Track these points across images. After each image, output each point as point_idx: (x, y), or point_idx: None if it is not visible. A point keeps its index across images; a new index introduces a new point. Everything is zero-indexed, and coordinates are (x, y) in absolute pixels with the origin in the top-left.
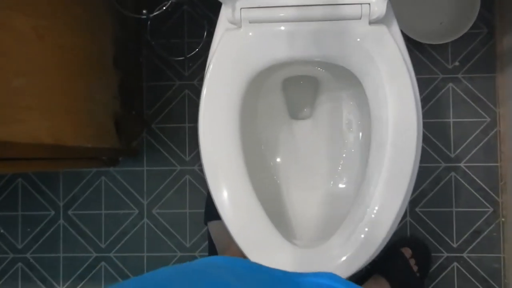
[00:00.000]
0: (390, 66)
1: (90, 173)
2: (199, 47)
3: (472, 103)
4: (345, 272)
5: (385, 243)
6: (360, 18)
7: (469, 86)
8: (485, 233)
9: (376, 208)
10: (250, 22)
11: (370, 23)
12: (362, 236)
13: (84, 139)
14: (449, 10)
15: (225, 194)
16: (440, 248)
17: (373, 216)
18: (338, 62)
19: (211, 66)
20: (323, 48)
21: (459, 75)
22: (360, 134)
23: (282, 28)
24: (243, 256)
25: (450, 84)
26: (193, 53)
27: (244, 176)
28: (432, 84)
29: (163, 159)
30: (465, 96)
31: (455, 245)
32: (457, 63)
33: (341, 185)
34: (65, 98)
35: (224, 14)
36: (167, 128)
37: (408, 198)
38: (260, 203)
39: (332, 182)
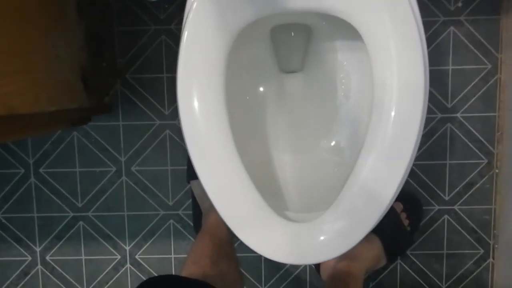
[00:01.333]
0: (400, 24)
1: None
2: None
3: (474, 49)
4: (339, 248)
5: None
6: None
7: (472, 29)
8: (478, 185)
9: (375, 180)
10: None
11: None
12: (359, 210)
13: (45, 103)
14: None
15: (207, 162)
16: (432, 201)
17: (371, 189)
18: (335, 13)
19: (190, 15)
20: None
21: (462, 17)
22: (357, 90)
23: None
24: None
25: (451, 28)
26: None
27: (228, 140)
28: (432, 28)
29: (140, 113)
30: (466, 41)
31: (446, 198)
32: (460, 4)
33: (334, 148)
34: (15, 55)
35: None
36: (143, 79)
37: (409, 171)
38: (247, 171)
39: (325, 143)
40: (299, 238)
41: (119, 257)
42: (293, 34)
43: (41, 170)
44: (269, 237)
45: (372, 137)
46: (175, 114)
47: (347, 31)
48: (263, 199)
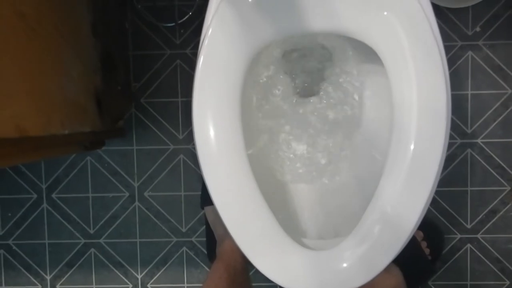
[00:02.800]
0: (419, 44)
1: (74, 153)
2: (191, 11)
3: (493, 73)
4: (361, 277)
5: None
6: None
7: (490, 54)
8: (501, 213)
9: (397, 206)
10: None
11: None
12: (381, 237)
13: (58, 125)
14: None
15: (223, 188)
16: (453, 229)
17: (393, 215)
18: (357, 37)
19: (206, 41)
20: (340, 19)
21: (480, 42)
22: (374, 115)
23: None
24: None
25: (470, 52)
26: (185, 18)
27: (245, 166)
28: (450, 53)
29: (154, 137)
30: (485, 66)
31: (469, 226)
32: (478, 29)
33: (349, 173)
34: (27, 76)
35: None
36: (158, 103)
37: (432, 195)
38: (263, 197)
39: (339, 169)
40: (318, 266)
41: (130, 286)
42: (307, 57)
43: (53, 195)
44: (286, 265)
45: (393, 161)
46: (189, 138)
47: (363, 55)
48: (280, 226)
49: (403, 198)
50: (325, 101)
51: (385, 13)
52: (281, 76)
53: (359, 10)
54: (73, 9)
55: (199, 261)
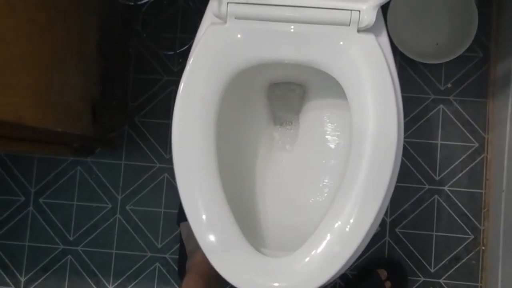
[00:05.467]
0: (375, 77)
1: (66, 162)
2: (190, 43)
3: (462, 127)
4: (307, 286)
5: (352, 260)
6: (348, 25)
7: (460, 109)
8: (464, 260)
9: (346, 222)
10: (236, 18)
11: (359, 31)
12: (329, 250)
13: (51, 122)
14: (446, 32)
15: (191, 191)
16: (417, 272)
17: (342, 230)
18: (323, 68)
19: (191, 60)
20: (308, 51)
21: (451, 97)
22: (343, 145)
23: (268, 27)
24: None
25: (441, 106)
26: (183, 48)
27: (215, 176)
28: (423, 104)
29: (142, 154)
30: (455, 119)
31: (432, 270)
32: (449, 85)
33: (319, 198)
34: (34, 76)
35: (210, 7)
36: (150, 123)
37: (381, 216)
38: (230, 205)
39: (310, 194)
40: (271, 270)
41: None
42: (287, 91)
43: (40, 199)
44: (240, 267)
45: (348, 181)
46: None
47: (337, 91)
48: (241, 233)
49: (354, 215)
50: (299, 130)
51: (346, 48)
52: (262, 105)
53: (323, 44)
54: (82, 26)
55: (170, 278)
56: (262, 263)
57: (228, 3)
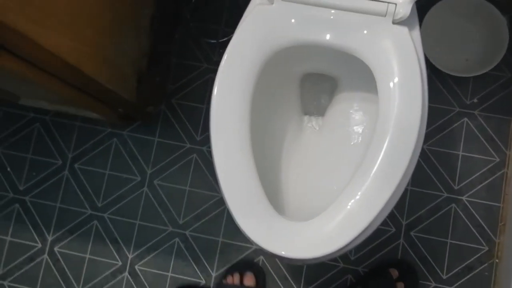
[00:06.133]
0: (404, 66)
1: (104, 132)
2: (232, 34)
3: (484, 141)
4: (324, 248)
5: (367, 234)
6: (384, 16)
7: (484, 124)
8: (477, 270)
9: (364, 197)
10: (283, 0)
11: (394, 22)
12: (349, 215)
13: (105, 78)
14: (477, 49)
15: (224, 154)
16: (429, 276)
17: (359, 204)
18: (356, 53)
19: (236, 33)
20: (344, 37)
21: (476, 112)
22: (368, 137)
23: (311, 11)
24: None
25: (465, 119)
26: (225, 38)
27: (247, 145)
28: (448, 116)
29: (175, 134)
30: (478, 133)
31: (444, 277)
32: (475, 100)
33: (341, 185)
34: (99, 33)
35: None
36: (185, 106)
37: (399, 194)
38: (258, 173)
39: (333, 180)
40: (295, 233)
41: (119, 263)
42: (319, 83)
43: (76, 165)
44: (267, 229)
45: (370, 159)
46: (205, 141)
47: (366, 85)
48: (267, 199)
49: (371, 190)
50: (328, 121)
51: (380, 37)
52: (294, 94)
53: (359, 32)
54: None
55: (187, 254)
56: (284, 225)
57: None
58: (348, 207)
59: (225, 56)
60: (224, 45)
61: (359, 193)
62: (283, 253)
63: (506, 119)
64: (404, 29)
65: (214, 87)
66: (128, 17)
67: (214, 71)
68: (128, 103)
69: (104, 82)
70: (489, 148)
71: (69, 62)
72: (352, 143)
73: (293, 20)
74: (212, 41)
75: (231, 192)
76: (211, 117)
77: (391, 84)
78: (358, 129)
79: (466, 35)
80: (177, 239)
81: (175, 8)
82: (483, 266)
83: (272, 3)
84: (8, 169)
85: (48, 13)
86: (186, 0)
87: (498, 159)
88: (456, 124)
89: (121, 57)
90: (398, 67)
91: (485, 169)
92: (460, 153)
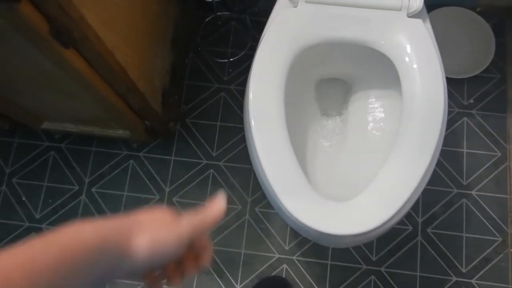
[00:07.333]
0: (423, 52)
1: (120, 155)
2: (241, 54)
3: (485, 138)
4: (368, 224)
5: (408, 207)
6: (400, 10)
7: (482, 122)
8: (494, 261)
9: (402, 171)
10: (306, 2)
11: (408, 15)
12: (390, 191)
13: (143, 85)
14: (467, 54)
15: (267, 142)
16: (450, 271)
17: (399, 178)
18: (377, 46)
19: (265, 35)
20: (365, 32)
21: (473, 111)
22: (383, 126)
23: (333, 10)
24: None
25: (465, 118)
26: (236, 57)
27: (285, 132)
28: (449, 116)
29: (191, 151)
30: (478, 131)
31: (464, 270)
32: (472, 101)
33: (361, 175)
34: (142, 45)
35: None
36: (200, 124)
37: (433, 167)
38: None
39: (358, 168)
40: (335, 211)
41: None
42: (334, 87)
43: (93, 189)
44: (308, 207)
45: (401, 136)
46: (221, 156)
47: (378, 82)
48: (307, 180)
49: (407, 165)
50: (344, 120)
51: (398, 29)
52: (311, 97)
53: (379, 25)
54: (166, 23)
55: (210, 269)
56: (326, 205)
57: None
58: (388, 182)
59: (257, 56)
60: (233, 64)
61: (396, 170)
62: (339, 232)
63: (502, 116)
64: (418, 21)
65: (248, 87)
66: (159, 38)
67: (226, 90)
68: (156, 115)
69: (140, 87)
70: (490, 143)
71: (120, 63)
72: (372, 134)
73: (317, 20)
74: (223, 60)
75: (278, 181)
76: (249, 110)
77: (413, 68)
78: (377, 120)
79: (457, 41)
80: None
81: (188, 33)
82: (499, 257)
83: (296, 6)
84: (24, 198)
85: (112, 17)
86: (197, 26)
87: (500, 154)
88: (457, 124)
89: (153, 71)
90: (417, 53)
91: (489, 163)
92: (465, 150)
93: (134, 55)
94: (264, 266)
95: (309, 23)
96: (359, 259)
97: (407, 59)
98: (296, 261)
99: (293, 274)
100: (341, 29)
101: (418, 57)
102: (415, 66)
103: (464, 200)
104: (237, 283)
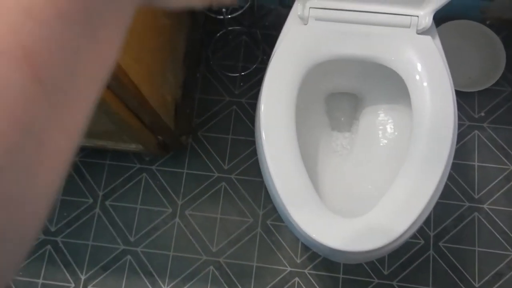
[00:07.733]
0: (432, 68)
1: (133, 168)
2: (252, 68)
3: (496, 151)
4: (380, 240)
5: (421, 221)
6: (409, 27)
7: (493, 135)
8: (507, 277)
9: (414, 186)
10: (316, 20)
11: (417, 32)
12: (402, 205)
13: (153, 99)
14: (477, 67)
15: (277, 156)
16: (462, 285)
17: (411, 193)
18: (386, 63)
19: (277, 52)
20: (375, 48)
21: (484, 124)
22: (393, 138)
23: (343, 28)
24: None
25: (476, 131)
26: (247, 71)
27: (296, 146)
28: (460, 129)
29: (203, 164)
30: (489, 144)
31: (476, 285)
32: (482, 114)
33: (371, 190)
34: (153, 62)
35: (295, 10)
36: (211, 137)
37: (445, 180)
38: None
39: (365, 188)
40: (346, 228)
41: None
42: (343, 102)
43: (107, 202)
44: (319, 222)
45: (412, 151)
46: (233, 169)
47: (388, 96)
48: (317, 194)
49: (419, 179)
50: (354, 135)
51: (408, 46)
52: (321, 113)
53: (388, 42)
54: (178, 39)
55: (222, 281)
56: (338, 220)
57: (310, 8)
58: (400, 197)
59: (268, 72)
60: (245, 78)
61: (408, 184)
62: (351, 248)
63: None
64: (427, 38)
65: (260, 101)
66: (170, 55)
67: (237, 103)
68: (168, 129)
69: (152, 103)
70: (502, 157)
71: (133, 81)
72: (382, 148)
73: (327, 37)
74: (235, 74)
75: (288, 195)
76: (261, 124)
77: (423, 85)
78: (387, 135)
79: (467, 55)
80: (211, 267)
81: (200, 47)
82: None
83: (307, 23)
84: None
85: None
86: (208, 41)
87: (511, 167)
88: (468, 137)
89: (164, 87)
90: (427, 70)
91: (501, 176)
92: (476, 163)
93: (146, 73)
94: (276, 280)
95: (319, 40)
96: (371, 273)
97: (417, 77)
98: (308, 274)
99: None
100: (351, 46)
101: (428, 74)
102: (425, 84)
103: (476, 213)
104: None
